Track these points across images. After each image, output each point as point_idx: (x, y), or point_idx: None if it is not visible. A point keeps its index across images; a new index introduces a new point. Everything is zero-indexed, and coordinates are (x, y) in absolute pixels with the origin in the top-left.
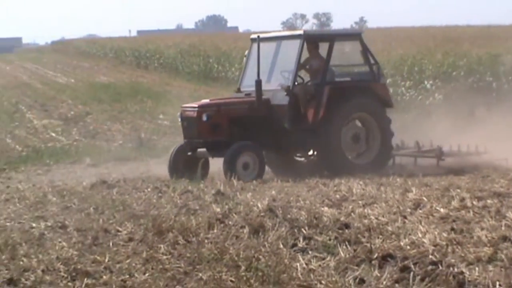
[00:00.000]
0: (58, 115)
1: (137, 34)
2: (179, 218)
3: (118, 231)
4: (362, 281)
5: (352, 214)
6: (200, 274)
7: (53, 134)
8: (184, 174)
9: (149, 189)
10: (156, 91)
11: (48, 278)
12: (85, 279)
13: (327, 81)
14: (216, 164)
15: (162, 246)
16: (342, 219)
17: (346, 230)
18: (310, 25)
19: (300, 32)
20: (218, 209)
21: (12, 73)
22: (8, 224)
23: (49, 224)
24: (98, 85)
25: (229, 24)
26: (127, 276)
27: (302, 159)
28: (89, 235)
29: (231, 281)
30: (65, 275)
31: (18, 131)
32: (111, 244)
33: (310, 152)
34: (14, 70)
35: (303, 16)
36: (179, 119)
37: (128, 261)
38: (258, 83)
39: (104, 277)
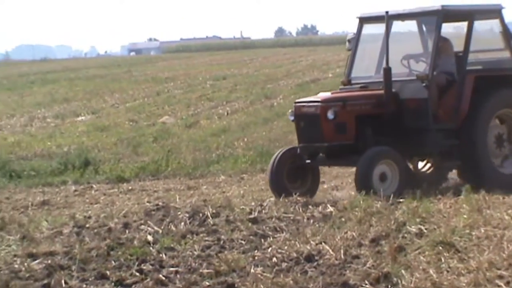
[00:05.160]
0: None
1: None
2: None
3: None
4: None
5: None
6: None
7: None
8: (288, 187)
9: None
10: None
11: None
12: None
13: (468, 70)
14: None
15: None
16: None
17: None
18: None
19: (438, 7)
20: None
21: None
22: None
23: None
24: None
25: None
26: None
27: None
28: None
29: None
30: None
31: None
32: None
33: (421, 164)
34: None
35: None
36: (291, 118)
37: None
38: (387, 71)
39: None
